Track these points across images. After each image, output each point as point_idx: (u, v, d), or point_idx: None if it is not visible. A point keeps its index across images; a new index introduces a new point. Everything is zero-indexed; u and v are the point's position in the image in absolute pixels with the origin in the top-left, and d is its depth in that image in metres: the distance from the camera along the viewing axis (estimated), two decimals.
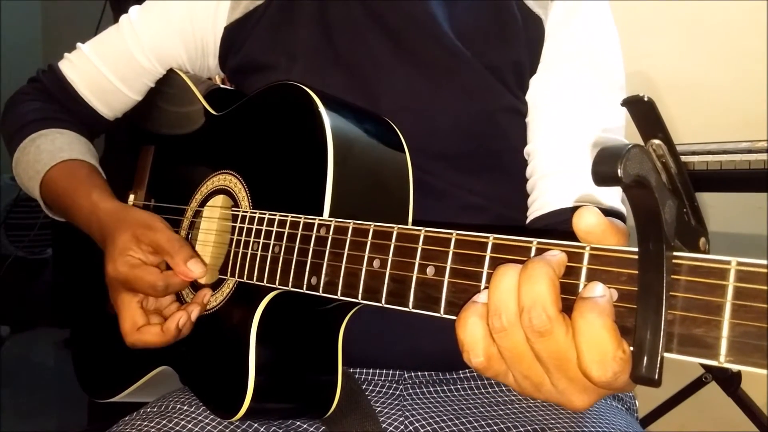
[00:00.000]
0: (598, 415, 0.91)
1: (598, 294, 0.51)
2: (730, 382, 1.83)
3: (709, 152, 1.62)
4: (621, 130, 1.00)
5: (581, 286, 0.52)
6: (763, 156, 1.55)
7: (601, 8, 1.05)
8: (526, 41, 1.03)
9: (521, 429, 0.86)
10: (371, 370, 1.02)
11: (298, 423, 0.94)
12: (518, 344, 0.56)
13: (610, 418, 0.92)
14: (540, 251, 0.56)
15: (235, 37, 1.12)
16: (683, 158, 1.63)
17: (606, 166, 0.43)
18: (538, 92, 1.03)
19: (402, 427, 0.92)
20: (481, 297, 0.58)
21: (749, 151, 1.57)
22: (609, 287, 0.51)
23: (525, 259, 0.56)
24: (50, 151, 1.13)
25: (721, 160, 1.59)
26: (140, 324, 0.91)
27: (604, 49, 1.03)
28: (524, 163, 1.04)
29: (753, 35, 1.96)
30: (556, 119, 1.00)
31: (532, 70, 1.04)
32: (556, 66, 1.02)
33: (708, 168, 1.61)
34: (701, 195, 1.67)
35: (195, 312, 0.91)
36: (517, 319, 0.54)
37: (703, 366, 1.86)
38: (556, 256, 0.55)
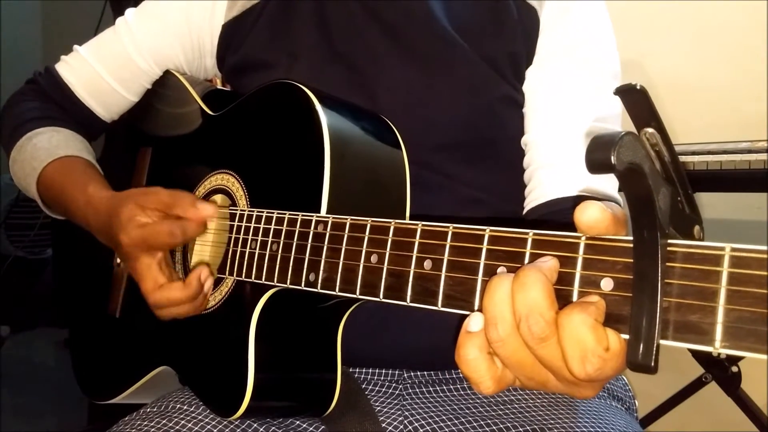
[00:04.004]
0: (597, 415, 0.91)
1: (593, 299, 0.52)
2: (730, 382, 1.82)
3: (709, 152, 1.62)
4: (617, 118, 1.00)
5: (577, 275, 0.52)
6: (763, 156, 1.55)
7: (596, 2, 1.06)
8: (521, 32, 1.04)
9: (520, 429, 0.86)
10: (371, 370, 1.02)
11: (298, 422, 0.94)
12: (517, 351, 0.55)
13: (610, 417, 0.92)
14: (536, 242, 0.56)
15: (233, 35, 1.13)
16: (684, 158, 1.63)
17: (599, 154, 0.43)
18: (535, 83, 1.04)
19: (401, 426, 0.92)
20: (472, 325, 0.58)
21: (749, 151, 1.57)
22: (604, 276, 0.51)
23: (522, 250, 0.56)
24: (47, 149, 1.13)
25: (721, 160, 1.59)
26: (162, 282, 0.91)
27: (598, 40, 1.04)
28: (521, 154, 1.04)
29: (753, 35, 1.96)
30: (553, 110, 1.01)
31: (528, 61, 1.05)
32: (552, 57, 1.03)
33: (708, 168, 1.61)
34: (700, 195, 1.67)
35: (210, 279, 0.92)
36: (514, 329, 0.54)
37: (704, 366, 1.86)
38: (548, 262, 0.55)
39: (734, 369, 1.82)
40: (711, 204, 1.83)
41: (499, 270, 0.58)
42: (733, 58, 2.03)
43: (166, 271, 0.93)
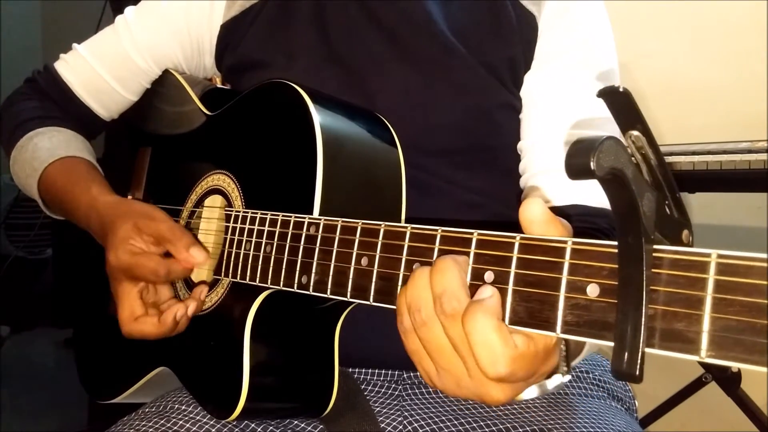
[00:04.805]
0: (597, 415, 0.91)
1: (487, 295, 0.55)
2: (730, 382, 1.82)
3: (709, 152, 1.62)
4: (614, 123, 1.00)
5: (563, 280, 0.52)
6: (763, 156, 1.54)
7: (595, 6, 1.05)
8: (520, 38, 1.03)
9: (520, 429, 0.86)
10: (370, 370, 1.02)
11: (296, 422, 0.94)
12: (438, 336, 0.59)
13: (610, 418, 0.92)
14: (523, 246, 0.56)
15: (231, 35, 1.12)
16: (684, 158, 1.62)
17: (579, 159, 0.43)
18: (532, 89, 1.03)
19: (401, 427, 0.92)
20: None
21: (749, 151, 1.57)
22: (590, 282, 0.51)
23: (509, 255, 0.56)
24: (48, 149, 1.13)
25: (721, 160, 1.59)
26: (138, 314, 0.91)
27: (597, 45, 1.04)
28: (519, 159, 1.04)
29: (753, 35, 1.96)
30: (549, 116, 1.01)
31: (527, 67, 1.04)
32: (549, 63, 1.03)
33: (708, 168, 1.60)
34: (700, 194, 1.67)
35: (192, 307, 0.91)
36: (434, 312, 0.58)
37: (703, 366, 1.85)
38: (460, 256, 0.59)
39: (734, 369, 1.81)
40: (709, 205, 1.83)
41: (486, 275, 0.57)
42: (733, 58, 2.02)
43: (150, 297, 0.94)
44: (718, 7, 2.02)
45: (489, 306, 0.55)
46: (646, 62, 2.06)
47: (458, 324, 0.56)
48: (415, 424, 0.91)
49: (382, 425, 0.93)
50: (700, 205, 1.82)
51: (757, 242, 1.88)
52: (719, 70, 2.05)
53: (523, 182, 1.03)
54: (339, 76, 1.05)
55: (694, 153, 1.63)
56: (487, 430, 0.87)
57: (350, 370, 1.01)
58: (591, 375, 1.03)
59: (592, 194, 0.95)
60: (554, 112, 1.00)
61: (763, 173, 1.51)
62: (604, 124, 0.98)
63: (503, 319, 0.56)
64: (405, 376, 1.01)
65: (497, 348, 0.54)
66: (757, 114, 1.91)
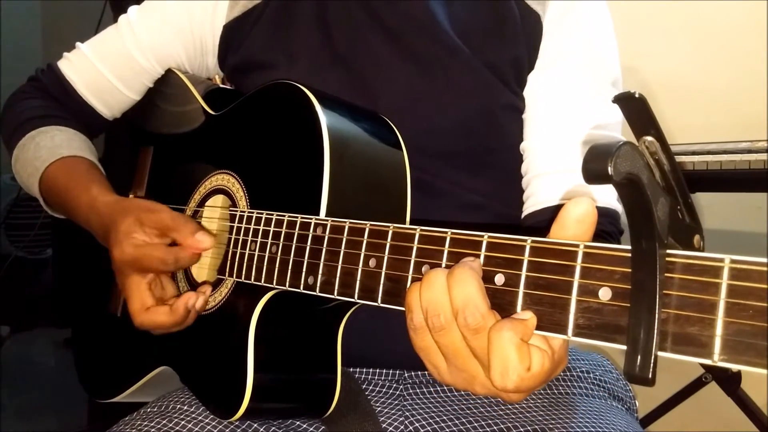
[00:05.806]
0: (598, 415, 0.91)
1: (525, 316, 0.56)
2: (730, 382, 1.83)
3: (709, 152, 1.62)
4: (617, 125, 1.00)
5: (575, 284, 0.52)
6: (763, 156, 1.54)
7: (598, 6, 1.05)
8: (524, 38, 1.03)
9: (521, 429, 0.86)
10: (371, 370, 1.02)
11: (298, 423, 0.94)
12: (455, 340, 0.60)
13: (610, 418, 0.92)
14: (534, 250, 0.56)
15: (234, 35, 1.12)
16: (684, 158, 1.63)
17: (596, 164, 0.43)
18: (535, 89, 1.03)
19: (402, 427, 0.92)
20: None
21: (749, 151, 1.57)
22: (602, 285, 0.51)
23: (520, 257, 0.56)
24: (49, 148, 1.13)
25: (721, 160, 1.59)
26: (149, 304, 0.90)
27: (600, 46, 1.04)
28: (522, 160, 1.04)
29: (753, 35, 1.96)
30: (552, 117, 1.01)
31: (531, 67, 1.04)
32: (554, 63, 1.02)
33: (708, 168, 1.61)
34: (701, 195, 1.67)
35: (201, 300, 0.91)
36: (453, 318, 0.58)
37: (703, 366, 1.86)
38: (475, 261, 0.59)
39: (734, 369, 1.81)
40: (710, 205, 1.83)
41: (496, 277, 0.58)
42: (733, 59, 2.03)
43: (157, 292, 0.93)
44: (719, 8, 2.03)
45: (518, 324, 0.55)
46: (646, 62, 2.06)
47: (483, 336, 0.57)
48: (417, 424, 0.91)
49: (384, 425, 0.93)
50: (699, 206, 1.82)
51: (757, 243, 1.88)
52: (719, 70, 2.05)
53: (524, 183, 1.03)
54: (341, 77, 1.04)
55: (694, 153, 1.63)
56: (488, 429, 0.88)
57: (351, 369, 1.01)
58: (592, 375, 1.04)
59: (595, 194, 0.95)
60: (558, 113, 1.00)
61: (763, 173, 1.51)
62: (607, 125, 0.98)
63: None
64: (406, 375, 1.01)
65: (510, 364, 0.55)
66: (757, 114, 1.91)
